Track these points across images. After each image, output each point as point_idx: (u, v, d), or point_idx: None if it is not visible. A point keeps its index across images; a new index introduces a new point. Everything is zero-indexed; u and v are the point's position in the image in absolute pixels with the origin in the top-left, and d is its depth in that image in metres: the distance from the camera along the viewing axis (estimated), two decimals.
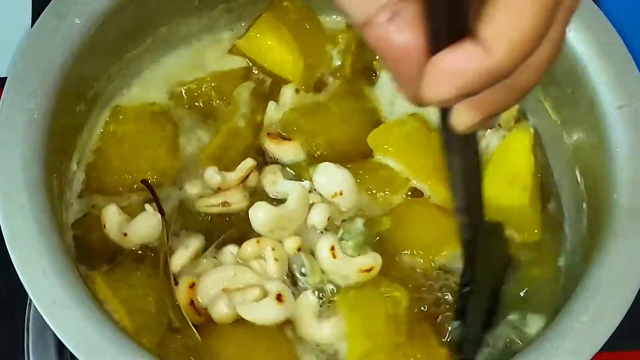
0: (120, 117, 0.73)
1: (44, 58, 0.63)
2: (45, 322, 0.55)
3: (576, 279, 0.67)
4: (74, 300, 0.56)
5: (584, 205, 0.71)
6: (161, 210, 0.68)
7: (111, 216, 0.68)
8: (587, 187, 0.71)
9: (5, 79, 0.62)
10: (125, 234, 0.68)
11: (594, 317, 0.59)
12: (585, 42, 0.68)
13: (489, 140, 0.75)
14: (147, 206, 0.68)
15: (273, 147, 0.73)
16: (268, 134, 0.74)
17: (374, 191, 0.72)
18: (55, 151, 0.64)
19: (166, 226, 0.68)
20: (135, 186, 0.71)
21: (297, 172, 0.73)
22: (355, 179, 0.71)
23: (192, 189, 0.71)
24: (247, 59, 0.78)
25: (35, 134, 0.61)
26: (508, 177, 0.72)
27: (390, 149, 0.73)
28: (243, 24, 0.79)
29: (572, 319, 0.59)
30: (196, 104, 0.76)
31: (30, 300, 0.69)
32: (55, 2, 0.65)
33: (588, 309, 0.59)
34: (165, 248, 0.67)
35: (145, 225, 0.68)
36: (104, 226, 0.68)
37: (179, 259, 0.67)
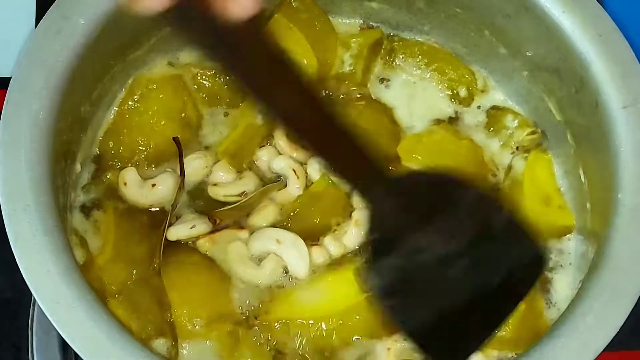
0: (139, 91, 0.73)
1: (48, 58, 0.63)
2: (50, 322, 0.55)
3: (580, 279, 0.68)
4: (79, 301, 0.56)
5: (588, 205, 0.71)
6: (182, 171, 0.70)
7: (131, 175, 0.70)
8: (590, 187, 0.71)
9: (9, 79, 0.62)
10: (154, 185, 0.70)
11: (599, 317, 0.59)
12: (589, 42, 0.68)
13: (514, 163, 0.76)
14: (169, 169, 0.71)
15: (288, 150, 0.74)
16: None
17: None
18: (59, 152, 0.64)
19: (179, 190, 0.70)
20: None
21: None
22: None
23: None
24: None
25: (39, 134, 0.61)
26: (543, 198, 0.74)
27: (419, 157, 0.74)
28: None
29: (577, 319, 0.59)
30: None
31: (35, 300, 0.70)
32: (59, 2, 0.65)
33: (592, 309, 0.59)
34: (170, 208, 0.69)
35: (169, 182, 0.70)
36: (125, 184, 0.70)
37: (179, 232, 0.69)
